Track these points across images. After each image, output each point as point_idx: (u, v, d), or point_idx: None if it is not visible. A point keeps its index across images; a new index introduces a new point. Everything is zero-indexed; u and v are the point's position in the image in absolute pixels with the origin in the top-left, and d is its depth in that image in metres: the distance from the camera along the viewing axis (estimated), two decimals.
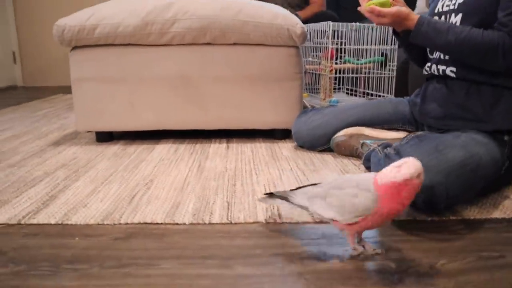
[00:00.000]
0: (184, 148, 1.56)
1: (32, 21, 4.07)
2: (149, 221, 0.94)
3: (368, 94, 2.21)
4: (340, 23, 2.11)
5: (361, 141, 1.38)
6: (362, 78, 2.26)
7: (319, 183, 0.85)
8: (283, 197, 0.87)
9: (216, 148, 1.56)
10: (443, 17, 1.19)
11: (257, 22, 1.53)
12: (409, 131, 1.37)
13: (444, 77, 1.20)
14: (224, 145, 1.61)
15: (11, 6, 4.02)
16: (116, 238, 0.87)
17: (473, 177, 0.94)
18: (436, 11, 1.22)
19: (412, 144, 0.97)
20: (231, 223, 0.93)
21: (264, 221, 0.94)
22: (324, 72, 2.13)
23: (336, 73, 2.18)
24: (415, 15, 1.14)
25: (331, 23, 2.00)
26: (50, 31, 4.04)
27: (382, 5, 1.14)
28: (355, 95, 2.33)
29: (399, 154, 0.96)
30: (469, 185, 0.93)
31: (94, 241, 0.86)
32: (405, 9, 1.14)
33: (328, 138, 1.46)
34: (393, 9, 1.12)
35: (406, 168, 0.70)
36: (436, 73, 1.22)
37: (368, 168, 1.28)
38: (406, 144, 0.98)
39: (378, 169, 1.14)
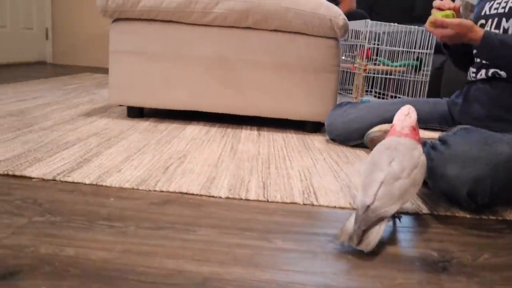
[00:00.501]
0: (215, 131, 1.54)
1: (67, 2, 4.12)
2: (184, 190, 0.92)
3: (397, 98, 2.17)
4: (378, 23, 2.08)
5: None
6: (392, 82, 2.22)
7: (380, 181, 0.75)
8: (378, 220, 0.72)
9: (248, 134, 1.55)
10: (490, 21, 1.15)
11: (300, 10, 1.51)
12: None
13: (488, 79, 1.17)
14: (255, 132, 1.59)
15: None
16: (151, 203, 0.86)
17: None
18: (482, 13, 1.18)
19: (460, 135, 0.94)
20: (267, 201, 0.91)
21: (301, 203, 0.92)
22: (358, 71, 2.10)
23: (369, 73, 2.15)
24: (478, 28, 1.09)
25: (369, 21, 1.97)
26: (84, 10, 4.08)
27: (445, 17, 1.10)
28: (384, 99, 2.29)
29: (446, 144, 0.93)
30: None
31: (130, 203, 0.84)
32: (468, 21, 1.10)
33: (362, 133, 1.43)
34: (457, 20, 1.08)
35: (413, 113, 0.86)
36: (484, 77, 1.18)
37: None
38: (453, 135, 0.95)
39: None
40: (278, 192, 0.96)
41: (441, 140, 0.97)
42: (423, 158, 0.82)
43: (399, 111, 0.88)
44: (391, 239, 0.78)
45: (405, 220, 0.88)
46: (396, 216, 0.84)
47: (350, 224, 0.73)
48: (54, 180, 0.93)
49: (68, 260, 0.62)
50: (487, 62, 1.16)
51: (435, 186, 0.95)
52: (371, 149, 1.44)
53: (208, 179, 1.01)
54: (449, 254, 0.74)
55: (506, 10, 1.11)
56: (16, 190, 0.87)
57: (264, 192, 0.95)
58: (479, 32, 1.07)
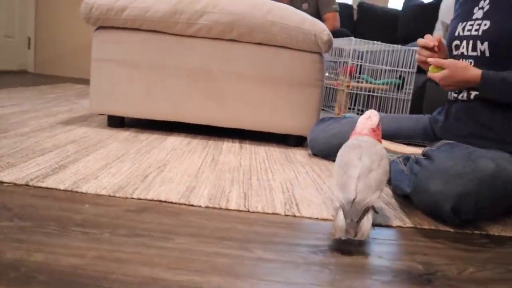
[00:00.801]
0: (197, 142, 1.52)
1: (51, 9, 4.08)
2: (163, 199, 0.90)
3: None
4: (362, 40, 2.11)
5: None
6: (375, 100, 2.25)
7: (356, 176, 0.79)
8: (366, 210, 0.75)
9: (230, 146, 1.53)
10: (465, 42, 1.16)
11: (285, 24, 1.52)
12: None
13: (469, 97, 1.18)
14: (237, 144, 1.58)
15: None
16: (128, 210, 0.83)
17: (503, 192, 0.90)
18: (456, 34, 1.20)
19: (444, 150, 0.94)
20: (248, 211, 0.89)
21: (283, 214, 0.90)
22: (341, 87, 2.11)
23: (352, 90, 2.17)
24: (472, 67, 1.10)
25: (353, 39, 2.00)
26: (68, 20, 4.05)
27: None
28: None
29: (430, 159, 0.93)
30: (497, 199, 0.90)
31: (105, 210, 0.81)
32: (462, 61, 1.12)
33: None
34: (451, 60, 1.11)
35: (374, 117, 0.93)
36: (465, 98, 1.19)
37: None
38: (437, 150, 0.95)
39: (400, 178, 1.11)
40: (259, 202, 0.94)
41: (425, 155, 0.97)
42: (385, 151, 0.88)
43: (362, 116, 0.96)
44: (375, 251, 0.77)
45: (389, 233, 0.87)
46: (374, 210, 0.85)
47: (340, 221, 0.75)
48: (27, 185, 0.90)
49: (36, 266, 0.58)
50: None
51: (418, 200, 0.94)
52: None
53: (188, 189, 0.98)
54: (434, 267, 0.73)
55: (480, 33, 1.11)
56: None
57: (245, 202, 0.93)
58: (476, 71, 1.08)
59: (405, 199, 1.08)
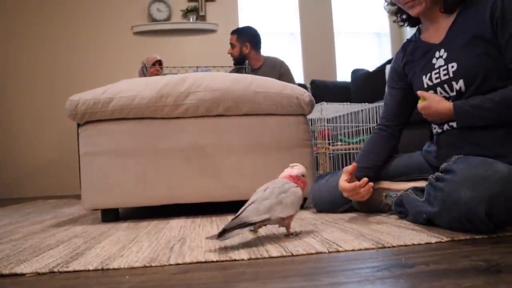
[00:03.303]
0: (200, 220, 1.48)
1: (10, 133, 4.04)
2: (202, 260, 0.85)
3: None
4: (332, 104, 2.24)
5: (384, 194, 1.38)
6: (353, 157, 2.33)
7: (250, 203, 1.02)
8: (240, 224, 0.96)
9: None
10: (439, 88, 1.25)
11: (267, 92, 1.61)
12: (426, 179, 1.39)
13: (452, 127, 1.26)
14: None
15: None
16: (173, 273, 0.78)
17: None
18: (425, 86, 1.29)
19: (460, 162, 0.99)
20: (292, 255, 0.86)
21: (327, 251, 0.88)
22: (322, 150, 2.19)
23: (330, 153, 2.25)
24: (446, 101, 1.22)
25: (324, 103, 2.13)
26: (27, 141, 4.00)
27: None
28: None
29: (452, 172, 0.96)
30: None
31: (149, 277, 0.76)
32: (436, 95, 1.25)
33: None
34: (430, 94, 1.26)
35: (296, 168, 1.14)
36: (449, 127, 1.27)
37: (400, 213, 1.26)
38: (454, 164, 0.99)
39: (417, 205, 1.13)
40: (299, 247, 0.92)
41: (445, 170, 1.00)
42: (293, 189, 1.08)
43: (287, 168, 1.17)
44: (429, 260, 0.76)
45: (432, 247, 0.87)
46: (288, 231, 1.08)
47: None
48: (52, 272, 0.82)
49: None
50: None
51: (449, 214, 0.96)
52: (361, 210, 1.45)
53: (221, 249, 0.94)
54: (494, 262, 0.73)
55: (451, 74, 1.22)
56: (9, 286, 0.75)
57: (284, 249, 0.91)
58: (448, 103, 1.20)
59: (427, 225, 1.09)
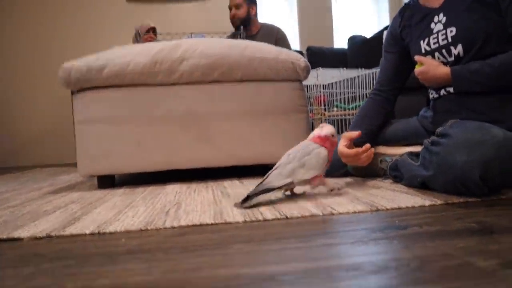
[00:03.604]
0: (196, 186, 1.49)
1: (5, 103, 4.00)
2: (197, 223, 0.86)
3: None
4: (327, 70, 2.22)
5: (380, 159, 1.39)
6: (348, 123, 2.33)
7: (274, 169, 1.06)
8: (264, 190, 1.00)
9: (230, 183, 1.51)
10: (436, 53, 1.24)
11: (263, 57, 1.58)
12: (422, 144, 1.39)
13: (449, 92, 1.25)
14: (236, 181, 1.56)
15: None
16: (169, 236, 0.79)
17: None
18: (423, 51, 1.28)
19: (457, 126, 0.99)
20: (286, 217, 0.87)
21: (321, 214, 0.89)
22: (317, 116, 2.18)
23: (326, 119, 2.25)
24: (444, 66, 1.21)
25: (321, 69, 2.10)
26: (22, 110, 3.97)
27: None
28: None
29: (448, 136, 0.96)
30: None
31: (145, 240, 0.77)
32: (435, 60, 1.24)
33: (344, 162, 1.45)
34: (428, 58, 1.24)
35: (325, 128, 1.14)
36: (445, 93, 1.26)
37: (395, 178, 1.27)
38: (450, 128, 0.99)
39: (412, 169, 1.14)
40: (293, 210, 0.93)
41: (440, 134, 1.00)
42: (317, 150, 1.09)
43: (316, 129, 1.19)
44: (424, 223, 0.77)
45: (426, 209, 0.88)
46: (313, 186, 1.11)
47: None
48: (49, 236, 0.83)
49: None
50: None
51: (444, 177, 0.96)
52: (356, 174, 1.46)
53: (216, 212, 0.95)
54: (487, 224, 0.74)
55: (450, 39, 1.20)
56: (7, 250, 0.76)
57: (279, 212, 0.91)
58: (446, 68, 1.19)
59: (421, 188, 1.10)
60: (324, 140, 1.12)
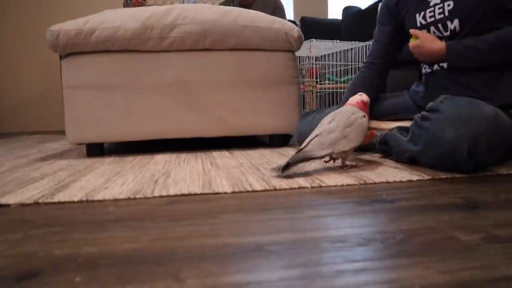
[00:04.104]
0: (185, 156, 1.48)
1: None
2: (186, 192, 0.86)
3: None
4: (321, 41, 2.19)
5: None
6: (340, 96, 2.33)
7: (315, 136, 1.02)
8: (303, 159, 0.98)
9: (219, 154, 1.51)
10: (432, 28, 1.22)
11: (255, 26, 1.55)
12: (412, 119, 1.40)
13: (443, 67, 1.24)
14: (225, 152, 1.56)
15: None
16: (157, 204, 0.79)
17: (503, 131, 0.95)
18: (418, 25, 1.26)
19: (448, 101, 0.99)
20: (275, 189, 0.88)
21: (309, 186, 0.89)
22: (309, 88, 2.17)
23: (318, 92, 2.23)
24: (439, 40, 1.20)
25: (314, 40, 2.07)
26: (9, 75, 3.89)
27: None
28: None
29: (438, 111, 0.97)
30: (501, 139, 0.95)
31: (134, 208, 0.77)
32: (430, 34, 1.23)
33: None
34: (424, 32, 1.23)
35: (364, 95, 1.15)
36: (438, 68, 1.26)
37: (384, 152, 1.28)
38: (441, 103, 1.00)
39: (401, 144, 1.15)
40: (282, 182, 0.93)
41: (431, 109, 1.00)
42: (360, 121, 1.06)
43: (354, 95, 1.18)
44: (412, 197, 0.78)
45: (414, 184, 0.89)
46: (343, 163, 1.09)
47: (283, 161, 1.01)
48: (37, 203, 0.83)
49: (93, 255, 0.53)
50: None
51: (433, 152, 0.97)
52: None
53: (205, 182, 0.95)
54: (472, 199, 0.75)
55: (446, 13, 1.18)
56: None
57: (268, 183, 0.92)
58: (441, 43, 1.18)
59: (410, 164, 1.11)
60: (365, 107, 1.11)
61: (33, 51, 3.85)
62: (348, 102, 1.17)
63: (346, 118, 1.04)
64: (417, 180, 0.93)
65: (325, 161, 1.10)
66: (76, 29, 1.45)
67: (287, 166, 0.96)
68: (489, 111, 0.93)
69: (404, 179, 0.93)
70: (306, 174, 1.03)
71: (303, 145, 0.99)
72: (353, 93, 1.39)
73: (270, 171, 0.99)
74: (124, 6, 2.80)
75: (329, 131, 1.02)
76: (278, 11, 2.54)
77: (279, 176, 0.98)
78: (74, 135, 1.52)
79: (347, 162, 1.09)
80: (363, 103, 1.12)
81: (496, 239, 0.55)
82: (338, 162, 1.15)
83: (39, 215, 0.74)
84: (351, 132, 1.03)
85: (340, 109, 1.10)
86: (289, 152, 1.48)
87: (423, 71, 1.35)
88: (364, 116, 1.09)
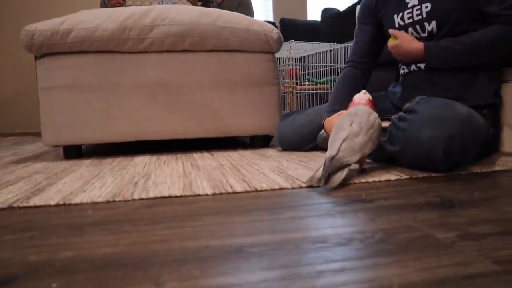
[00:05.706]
0: (165, 157, 1.47)
1: None
2: (166, 195, 0.85)
3: None
4: (301, 43, 2.20)
5: None
6: (320, 97, 2.34)
7: (342, 140, 0.94)
8: (340, 167, 0.90)
9: (200, 155, 1.50)
10: (410, 29, 1.25)
11: (235, 27, 1.55)
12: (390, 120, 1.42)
13: (420, 68, 1.27)
14: (206, 153, 1.55)
15: None
16: (136, 207, 0.78)
17: (477, 132, 0.98)
18: (397, 26, 1.29)
19: (423, 102, 1.01)
20: (256, 190, 0.88)
21: (290, 187, 0.90)
22: (289, 89, 2.18)
23: (298, 93, 2.25)
24: (417, 41, 1.22)
25: (293, 42, 2.09)
26: None
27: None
28: None
29: (414, 112, 0.98)
30: (475, 138, 0.98)
31: (112, 212, 0.75)
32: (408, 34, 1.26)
33: (314, 136, 1.47)
34: (402, 32, 1.26)
35: (368, 94, 1.11)
36: (415, 68, 1.28)
37: None
38: (417, 104, 1.01)
39: (380, 144, 1.16)
40: (263, 183, 0.93)
41: (407, 110, 1.02)
42: (378, 121, 1.01)
43: (357, 94, 1.12)
44: (389, 197, 0.79)
45: (392, 183, 0.90)
46: (361, 168, 1.04)
47: (318, 172, 0.91)
48: (11, 207, 0.81)
49: (70, 260, 0.52)
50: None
51: (411, 153, 0.99)
52: (326, 148, 1.48)
53: (185, 184, 0.95)
54: (448, 198, 0.77)
55: (424, 15, 1.21)
56: None
57: (249, 185, 0.92)
58: (419, 43, 1.20)
59: (388, 163, 1.13)
60: (373, 105, 1.08)
61: (7, 51, 3.75)
62: (356, 101, 1.10)
63: (367, 120, 0.99)
64: (395, 180, 0.94)
65: (359, 171, 1.03)
66: (52, 29, 1.42)
67: (328, 177, 0.89)
68: (463, 112, 0.96)
69: (382, 179, 0.95)
70: (286, 175, 1.03)
71: (332, 152, 0.90)
72: (342, 92, 1.39)
73: (307, 183, 0.91)
74: (102, 6, 2.76)
75: (355, 134, 0.95)
76: (241, 7, 2.50)
77: (331, 189, 0.88)
78: (51, 137, 1.49)
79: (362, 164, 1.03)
80: (371, 101, 1.08)
81: (470, 236, 0.56)
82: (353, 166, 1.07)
83: (14, 220, 0.72)
84: (373, 134, 0.98)
85: (354, 110, 1.03)
86: (269, 153, 1.49)
87: (401, 71, 1.37)
88: (379, 116, 1.05)
